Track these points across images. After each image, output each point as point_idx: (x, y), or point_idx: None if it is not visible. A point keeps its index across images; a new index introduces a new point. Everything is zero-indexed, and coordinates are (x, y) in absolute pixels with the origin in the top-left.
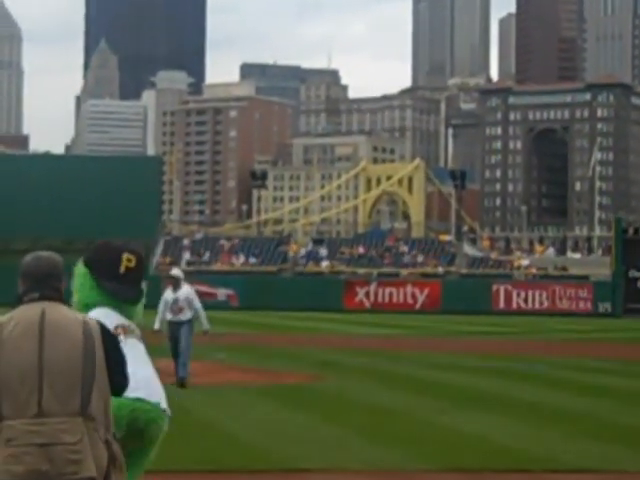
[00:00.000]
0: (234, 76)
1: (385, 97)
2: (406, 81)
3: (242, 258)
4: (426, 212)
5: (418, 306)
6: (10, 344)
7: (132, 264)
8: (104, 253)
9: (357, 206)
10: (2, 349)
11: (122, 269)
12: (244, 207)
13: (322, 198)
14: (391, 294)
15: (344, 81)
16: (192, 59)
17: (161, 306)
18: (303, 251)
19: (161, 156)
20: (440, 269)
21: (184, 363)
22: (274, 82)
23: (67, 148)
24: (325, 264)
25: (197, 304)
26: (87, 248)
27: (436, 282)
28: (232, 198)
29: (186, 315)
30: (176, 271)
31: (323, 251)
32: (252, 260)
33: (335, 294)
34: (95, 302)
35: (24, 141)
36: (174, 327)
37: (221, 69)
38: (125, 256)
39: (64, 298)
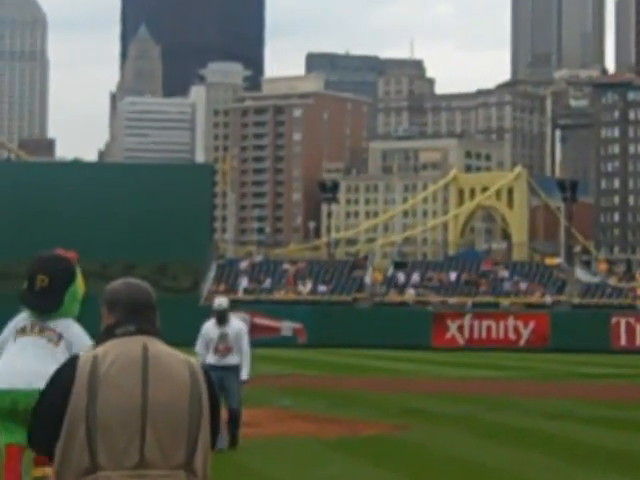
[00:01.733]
0: (299, 69)
1: (480, 93)
2: (504, 74)
3: (310, 285)
4: (530, 230)
5: (522, 343)
6: (109, 381)
7: (45, 284)
8: (28, 271)
9: (447, 223)
10: (100, 386)
11: (37, 287)
12: (311, 224)
13: (405, 213)
14: (489, 328)
15: (430, 74)
16: (249, 48)
17: (200, 345)
18: (401, 277)
19: (212, 164)
20: (548, 298)
21: (235, 424)
22: (346, 75)
23: (100, 154)
24: (410, 293)
25: (246, 345)
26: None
27: (543, 314)
28: (297, 214)
29: (235, 358)
30: (220, 300)
31: (416, 276)
32: (322, 288)
33: (422, 328)
34: (21, 309)
35: (49, 146)
36: (219, 374)
37: (283, 60)
38: (39, 277)
39: (161, 334)
